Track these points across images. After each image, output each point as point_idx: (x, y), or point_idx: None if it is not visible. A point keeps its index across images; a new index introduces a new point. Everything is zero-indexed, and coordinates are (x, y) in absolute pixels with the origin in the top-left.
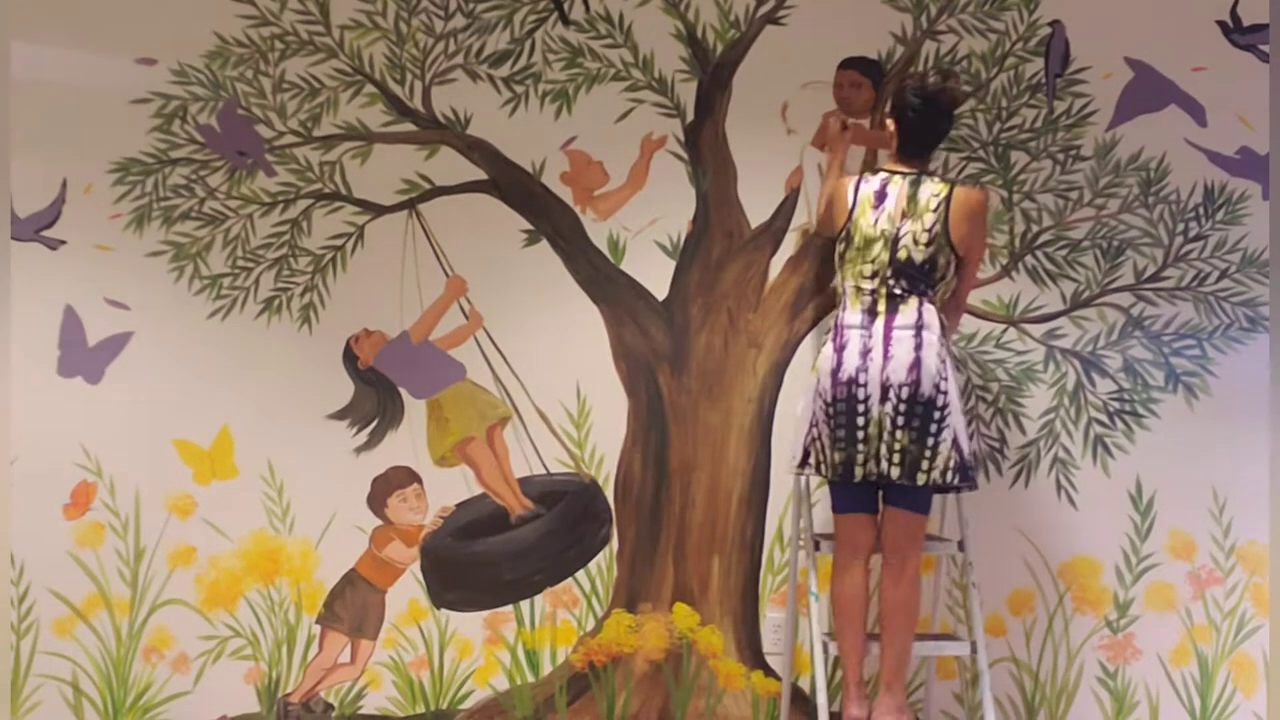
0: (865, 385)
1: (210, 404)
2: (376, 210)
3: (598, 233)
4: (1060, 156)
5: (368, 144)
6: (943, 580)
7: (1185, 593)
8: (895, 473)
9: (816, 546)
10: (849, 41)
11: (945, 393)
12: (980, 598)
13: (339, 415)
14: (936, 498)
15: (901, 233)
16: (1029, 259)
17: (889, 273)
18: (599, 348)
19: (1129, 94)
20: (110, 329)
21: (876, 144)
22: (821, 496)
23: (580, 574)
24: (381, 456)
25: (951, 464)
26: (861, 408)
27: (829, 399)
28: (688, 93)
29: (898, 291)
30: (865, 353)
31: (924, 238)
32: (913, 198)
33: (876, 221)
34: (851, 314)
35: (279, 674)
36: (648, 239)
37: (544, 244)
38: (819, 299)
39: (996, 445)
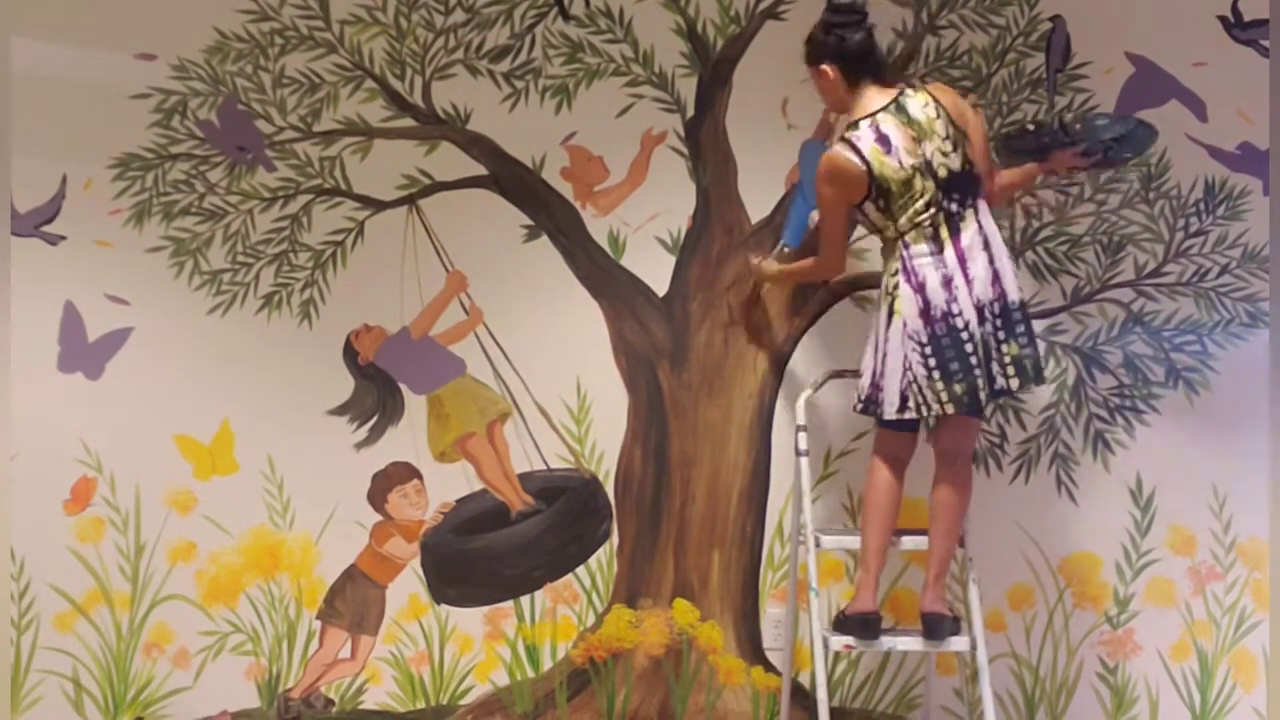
0: (960, 314)
1: (210, 399)
2: (376, 206)
3: (598, 228)
4: None
5: (368, 139)
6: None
7: (1185, 588)
8: (1015, 384)
9: (818, 543)
10: None
11: (1022, 288)
12: (980, 594)
13: (339, 411)
14: None
15: (929, 154)
16: (1030, 254)
17: (939, 195)
18: (599, 343)
19: (1130, 89)
20: (110, 325)
21: (799, 274)
22: (821, 492)
23: (580, 569)
24: (382, 452)
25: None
26: (965, 335)
27: (924, 339)
28: (688, 88)
29: (953, 209)
30: (947, 282)
31: (948, 145)
32: (910, 121)
33: (901, 162)
34: (917, 248)
35: (279, 669)
36: (648, 234)
37: (544, 239)
38: (820, 294)
39: (997, 441)
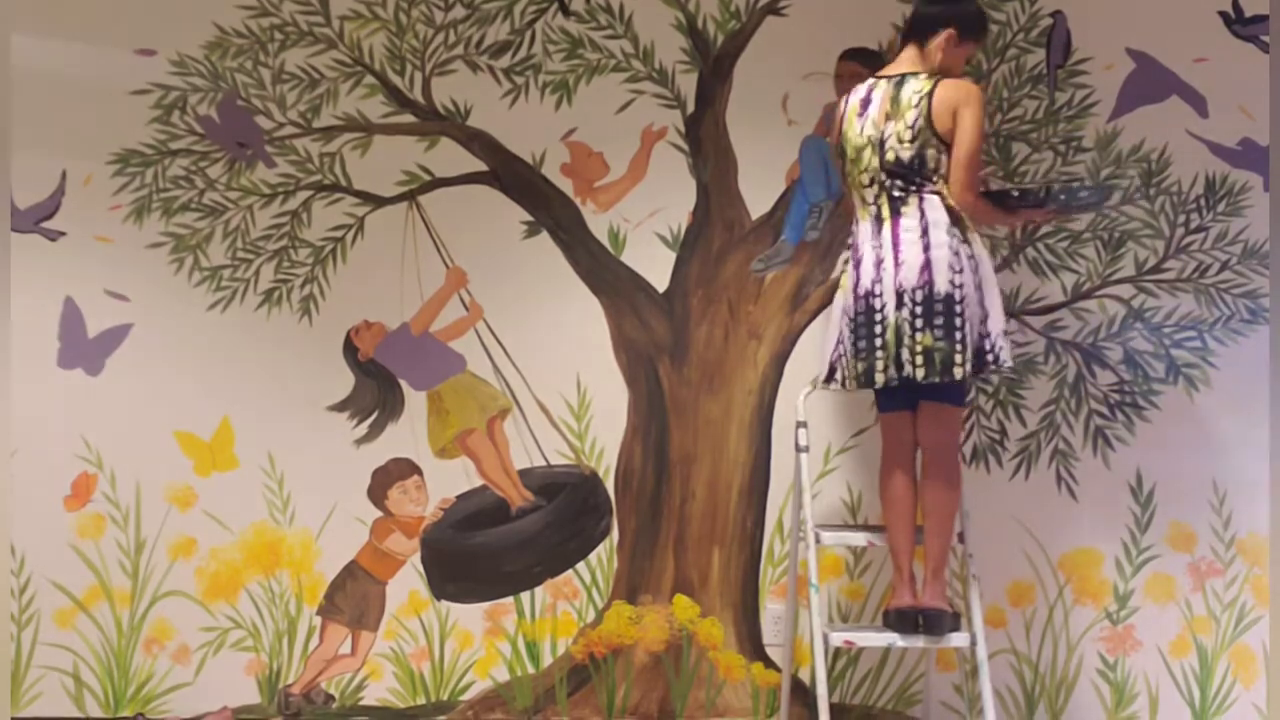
0: (880, 295)
1: (210, 396)
2: (376, 202)
3: (598, 224)
4: (1061, 148)
5: (368, 135)
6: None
7: (1185, 584)
8: (920, 373)
9: (818, 540)
10: (850, 32)
11: (961, 285)
12: (980, 590)
13: (339, 407)
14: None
15: (886, 134)
16: (1030, 250)
17: (883, 176)
18: (599, 339)
19: (1130, 85)
20: (110, 320)
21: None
22: (821, 489)
23: (580, 566)
24: (382, 448)
25: (986, 347)
26: (879, 316)
27: (852, 314)
28: (688, 84)
29: (896, 194)
30: (878, 263)
31: (907, 135)
32: (895, 98)
33: (862, 129)
34: (861, 226)
35: (280, 665)
36: (648, 230)
37: (544, 235)
38: (820, 290)
39: (997, 437)
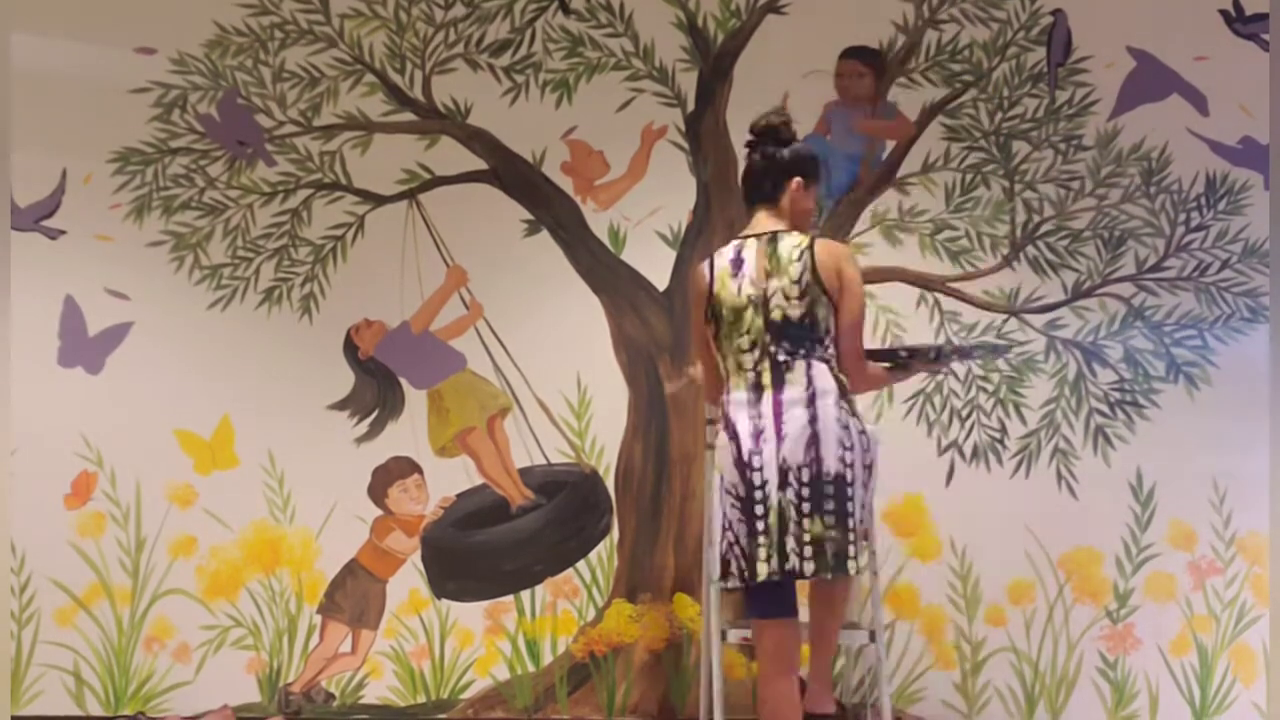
0: (761, 469)
1: (211, 394)
2: (377, 200)
3: (598, 223)
4: (1062, 146)
5: (368, 134)
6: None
7: (1185, 583)
8: (810, 567)
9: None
10: (850, 30)
11: (852, 466)
12: (879, 584)
13: (339, 405)
14: None
15: (770, 292)
16: (1030, 249)
17: (767, 338)
18: (599, 338)
19: (1131, 83)
20: (110, 319)
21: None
22: None
23: (581, 564)
24: (382, 447)
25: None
26: (759, 494)
27: (741, 493)
28: (688, 82)
29: (781, 358)
30: (757, 434)
31: (794, 290)
32: (772, 254)
33: (740, 289)
34: (736, 394)
35: (280, 664)
36: (648, 229)
37: (544, 234)
38: None
39: (997, 435)
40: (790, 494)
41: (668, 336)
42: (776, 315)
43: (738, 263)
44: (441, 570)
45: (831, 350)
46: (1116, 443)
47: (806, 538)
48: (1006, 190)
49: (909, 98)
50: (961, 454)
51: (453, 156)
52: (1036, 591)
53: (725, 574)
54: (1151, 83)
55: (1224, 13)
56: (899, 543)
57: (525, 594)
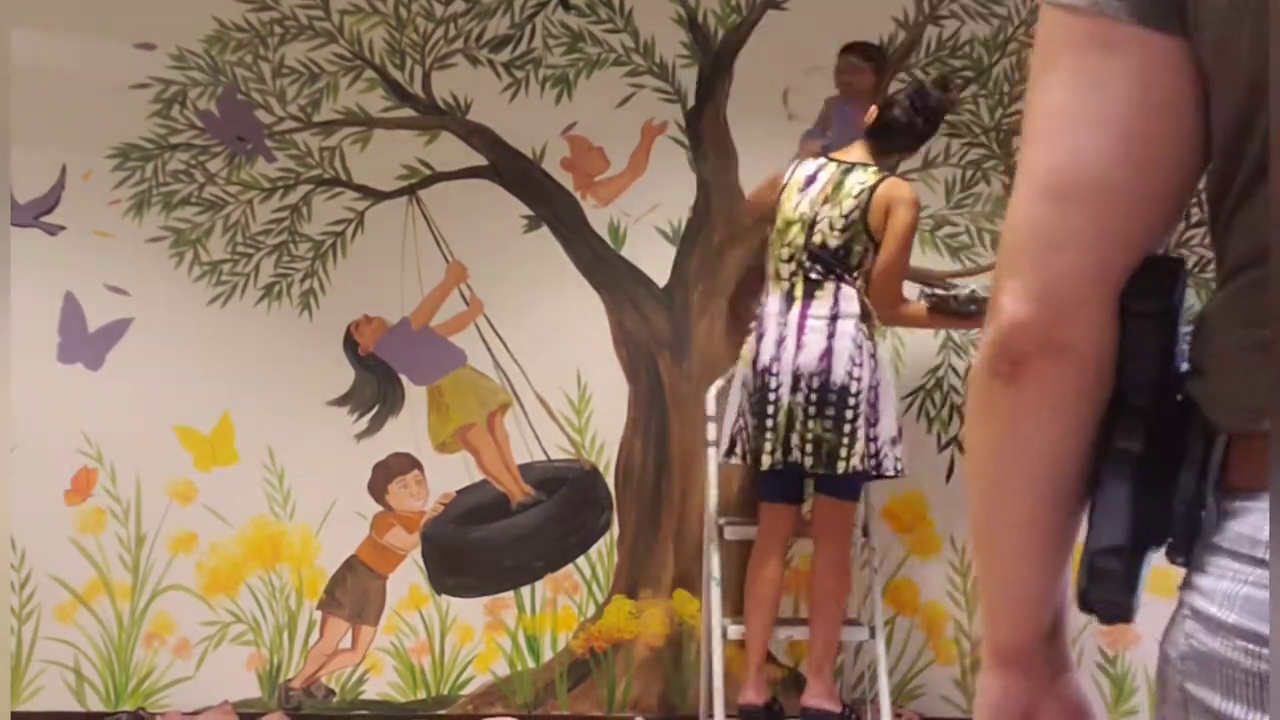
0: (778, 374)
1: (211, 390)
2: (376, 196)
3: (598, 219)
4: None
5: (367, 129)
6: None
7: None
8: (809, 462)
9: (721, 534)
10: (851, 26)
11: (859, 379)
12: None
13: (339, 402)
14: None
15: (819, 217)
16: None
17: (804, 257)
18: (599, 334)
19: None
20: (110, 315)
21: None
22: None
23: (581, 560)
24: (382, 443)
25: (871, 451)
26: (772, 396)
27: (750, 388)
28: (689, 78)
29: (814, 276)
30: (780, 341)
31: (840, 223)
32: (839, 184)
33: (798, 205)
34: (771, 301)
35: (280, 660)
36: (648, 225)
37: (544, 230)
38: None
39: None
40: (800, 397)
41: (668, 332)
42: (818, 239)
43: (810, 180)
44: (441, 566)
45: (861, 281)
46: None
47: (809, 436)
48: (1007, 186)
49: None
50: (961, 450)
51: (452, 152)
52: None
53: (730, 452)
54: None
55: None
56: (899, 538)
57: (525, 590)
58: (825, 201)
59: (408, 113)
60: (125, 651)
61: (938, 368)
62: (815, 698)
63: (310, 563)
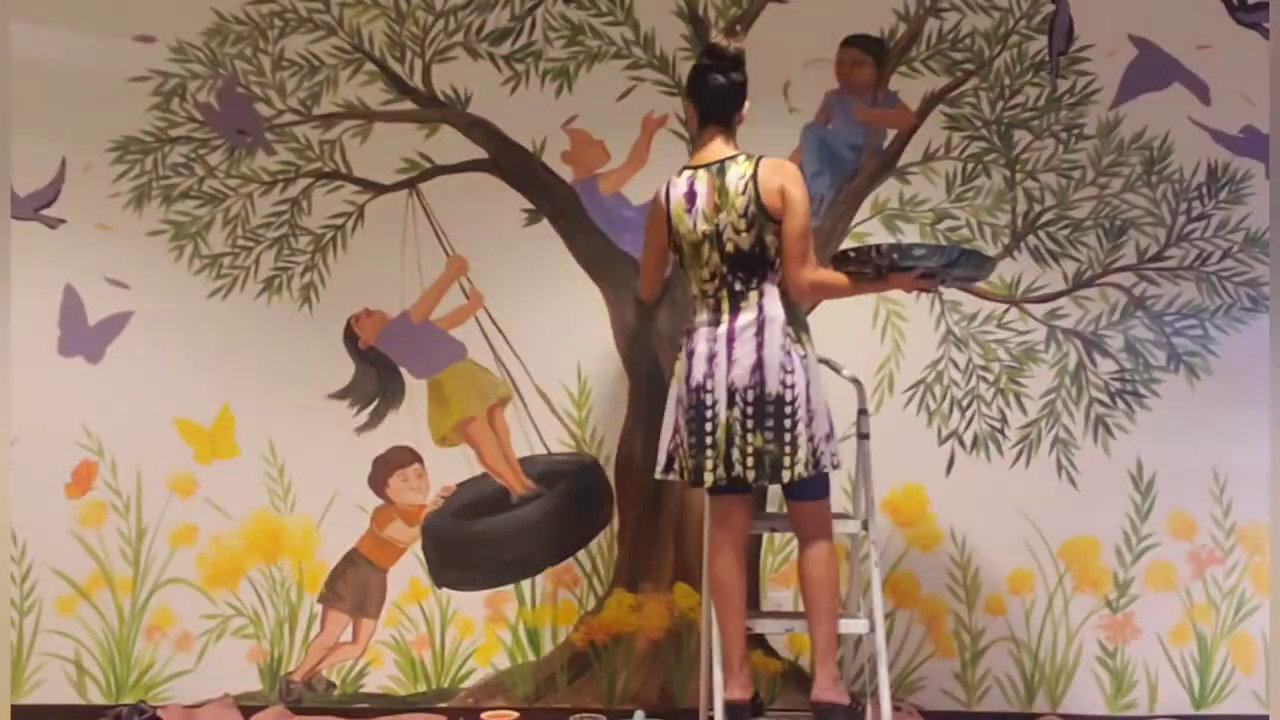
0: (712, 391)
1: (211, 383)
2: (377, 189)
3: (599, 211)
4: (1063, 135)
5: (368, 122)
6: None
7: (1185, 572)
8: (753, 475)
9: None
10: (851, 19)
11: (792, 386)
12: (881, 575)
13: (340, 395)
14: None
15: (721, 226)
16: (1031, 238)
17: (724, 269)
18: (600, 327)
19: (1133, 72)
20: (110, 308)
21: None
22: None
23: (581, 553)
24: (382, 436)
25: (813, 455)
26: (709, 413)
27: (686, 405)
28: (689, 71)
29: (738, 287)
30: (710, 358)
31: (742, 224)
32: (720, 187)
33: (695, 225)
34: (699, 317)
35: (281, 653)
36: None
37: (545, 223)
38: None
39: (997, 425)
40: (736, 412)
41: (669, 326)
42: (730, 248)
43: (691, 196)
44: (442, 559)
45: (782, 274)
46: (1117, 432)
47: (749, 449)
48: (1007, 179)
49: (910, 86)
50: (962, 443)
51: (453, 145)
52: (1036, 581)
53: (668, 469)
54: (1153, 71)
55: (1226, 1)
56: (899, 532)
57: (526, 583)
58: (718, 210)
59: (408, 106)
60: (126, 644)
61: (937, 361)
62: (824, 691)
63: (311, 556)
